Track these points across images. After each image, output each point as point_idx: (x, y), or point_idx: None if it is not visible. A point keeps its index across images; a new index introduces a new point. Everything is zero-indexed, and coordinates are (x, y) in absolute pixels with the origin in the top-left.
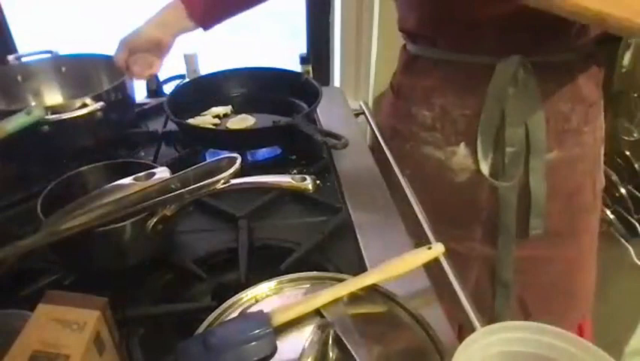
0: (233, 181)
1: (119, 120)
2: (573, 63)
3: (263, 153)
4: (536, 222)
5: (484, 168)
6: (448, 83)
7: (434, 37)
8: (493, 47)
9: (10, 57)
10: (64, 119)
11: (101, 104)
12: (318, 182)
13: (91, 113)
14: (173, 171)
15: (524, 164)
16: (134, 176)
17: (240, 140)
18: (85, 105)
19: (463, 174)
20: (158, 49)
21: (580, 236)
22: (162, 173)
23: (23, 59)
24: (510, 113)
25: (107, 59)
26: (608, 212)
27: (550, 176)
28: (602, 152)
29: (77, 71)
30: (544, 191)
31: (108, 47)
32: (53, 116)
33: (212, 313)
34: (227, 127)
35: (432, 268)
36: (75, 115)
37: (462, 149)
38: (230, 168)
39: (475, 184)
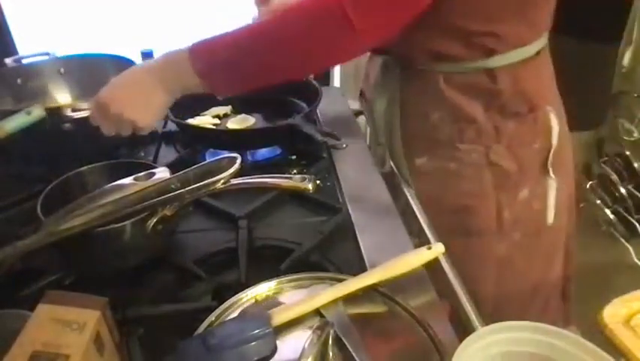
0: (233, 181)
1: None
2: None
3: (263, 153)
4: None
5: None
6: None
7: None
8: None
9: (10, 59)
10: (65, 120)
11: None
12: (318, 182)
13: None
14: (173, 171)
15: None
16: (134, 176)
17: (240, 140)
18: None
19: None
20: None
21: (478, 262)
22: (162, 173)
23: (23, 61)
24: (375, 105)
25: (107, 58)
26: (608, 212)
27: (425, 184)
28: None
29: (77, 71)
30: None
31: (108, 47)
32: (53, 116)
33: (212, 313)
34: (227, 127)
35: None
36: (75, 115)
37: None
38: (230, 168)
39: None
